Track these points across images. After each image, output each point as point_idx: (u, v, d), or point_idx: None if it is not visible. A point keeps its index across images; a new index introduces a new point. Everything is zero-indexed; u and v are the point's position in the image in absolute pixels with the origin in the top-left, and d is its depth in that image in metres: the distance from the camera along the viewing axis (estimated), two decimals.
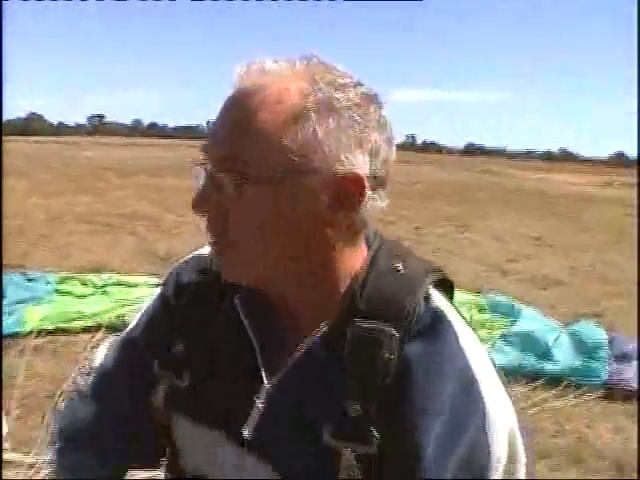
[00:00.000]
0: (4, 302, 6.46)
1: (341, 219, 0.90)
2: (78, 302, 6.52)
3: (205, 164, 0.91)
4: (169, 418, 1.08)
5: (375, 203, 0.93)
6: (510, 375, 5.40)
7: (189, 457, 1.08)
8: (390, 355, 0.88)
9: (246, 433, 0.97)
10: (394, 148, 0.95)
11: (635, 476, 3.92)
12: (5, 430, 3.94)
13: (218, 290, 1.04)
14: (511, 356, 5.66)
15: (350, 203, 0.89)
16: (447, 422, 0.87)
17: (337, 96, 0.88)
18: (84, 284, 7.04)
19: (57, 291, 6.83)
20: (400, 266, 0.96)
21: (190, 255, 1.16)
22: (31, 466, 3.59)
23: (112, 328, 6.01)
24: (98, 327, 5.98)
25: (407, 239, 11.95)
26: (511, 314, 6.54)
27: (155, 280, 7.30)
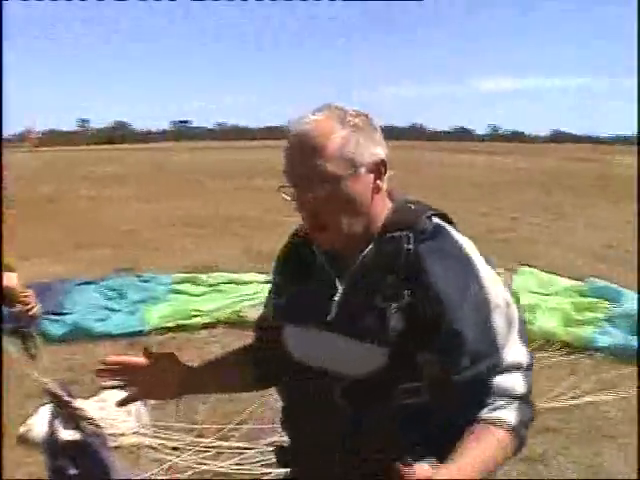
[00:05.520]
0: (125, 302, 6.90)
1: (378, 185, 1.50)
2: (194, 300, 6.91)
3: (294, 186, 1.46)
4: (278, 327, 1.64)
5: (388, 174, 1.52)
6: (616, 356, 5.55)
7: (294, 350, 1.59)
8: (408, 246, 1.45)
9: (329, 319, 1.50)
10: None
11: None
12: (146, 420, 4.27)
13: (299, 245, 1.64)
14: (617, 338, 5.77)
15: (381, 174, 1.50)
16: (455, 284, 1.41)
17: (356, 121, 1.47)
18: (197, 284, 7.41)
19: (173, 291, 7.23)
20: (412, 205, 1.55)
21: None
22: (174, 449, 3.91)
23: (231, 324, 6.39)
24: (216, 324, 6.37)
25: (503, 229, 12.00)
26: (614, 298, 6.58)
27: (263, 277, 7.63)
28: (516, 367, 1.44)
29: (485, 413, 1.40)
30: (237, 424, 4.27)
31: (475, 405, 1.41)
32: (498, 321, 1.43)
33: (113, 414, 4.16)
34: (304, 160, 1.43)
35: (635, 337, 5.68)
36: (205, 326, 6.38)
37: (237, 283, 7.44)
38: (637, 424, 4.28)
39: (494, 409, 1.40)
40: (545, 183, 22.77)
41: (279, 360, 1.64)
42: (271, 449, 3.89)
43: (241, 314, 6.55)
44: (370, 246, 1.50)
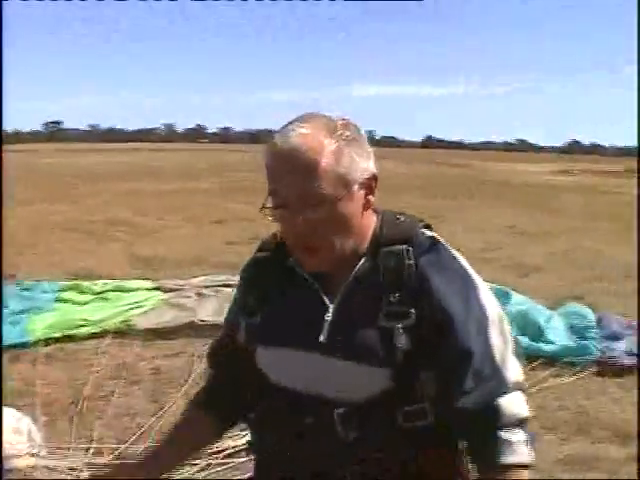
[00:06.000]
0: (5, 312, 6.51)
1: (369, 200, 1.41)
2: (80, 309, 6.60)
3: (282, 207, 1.34)
4: (251, 350, 1.50)
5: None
6: None
7: (276, 374, 1.47)
8: (409, 261, 1.38)
9: (322, 339, 1.39)
10: None
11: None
12: (38, 439, 4.03)
13: (271, 258, 1.52)
14: None
15: (372, 190, 1.41)
16: (459, 299, 1.37)
17: (347, 133, 1.35)
18: (82, 292, 7.10)
19: (57, 299, 6.89)
20: (401, 217, 1.47)
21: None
22: (71, 469, 3.71)
23: (119, 333, 6.16)
24: (104, 333, 6.12)
25: None
26: (502, 299, 6.73)
27: (150, 284, 7.42)
28: (517, 387, 1.38)
29: (508, 457, 1.32)
30: (135, 441, 4.08)
31: (485, 430, 1.34)
32: (495, 338, 1.38)
33: (4, 435, 3.92)
34: (294, 180, 1.31)
35: (524, 336, 5.86)
36: (93, 336, 6.11)
37: (123, 290, 7.17)
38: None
39: (513, 448, 1.33)
40: (423, 187, 23.40)
41: (251, 387, 1.52)
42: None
43: (130, 323, 6.36)
44: (361, 262, 1.42)
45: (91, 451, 3.93)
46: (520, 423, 1.35)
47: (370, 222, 1.45)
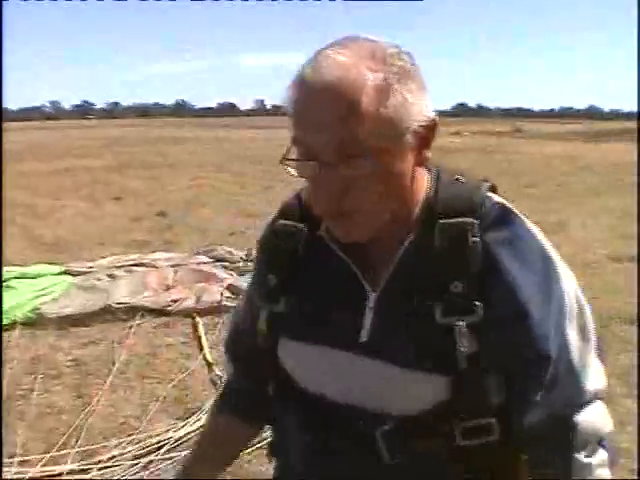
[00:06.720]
0: None
1: (425, 156, 1.07)
2: None
3: (311, 157, 1.01)
4: (274, 342, 1.21)
5: None
6: None
7: (300, 377, 1.19)
8: (474, 239, 1.05)
9: (363, 338, 1.10)
10: None
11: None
12: None
13: (296, 229, 1.20)
14: None
15: (429, 142, 1.06)
16: (539, 291, 1.06)
17: (399, 64, 1.00)
18: None
19: None
20: (461, 178, 1.15)
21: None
22: None
23: (29, 324, 5.72)
24: (12, 324, 5.65)
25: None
26: None
27: (56, 268, 6.98)
28: (598, 396, 1.13)
29: None
30: (64, 444, 3.71)
31: (557, 452, 1.10)
32: (573, 336, 1.10)
33: None
34: (326, 125, 0.97)
35: None
36: (1, 328, 5.56)
37: (28, 277, 6.67)
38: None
39: (593, 474, 1.09)
40: None
41: (275, 383, 1.26)
42: (111, 464, 3.48)
43: (40, 311, 5.89)
44: (411, 237, 1.10)
45: (17, 459, 3.54)
46: (601, 440, 1.11)
47: (422, 183, 1.13)
